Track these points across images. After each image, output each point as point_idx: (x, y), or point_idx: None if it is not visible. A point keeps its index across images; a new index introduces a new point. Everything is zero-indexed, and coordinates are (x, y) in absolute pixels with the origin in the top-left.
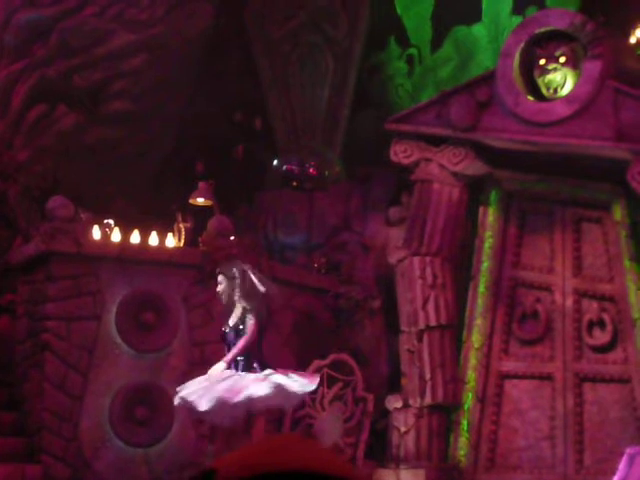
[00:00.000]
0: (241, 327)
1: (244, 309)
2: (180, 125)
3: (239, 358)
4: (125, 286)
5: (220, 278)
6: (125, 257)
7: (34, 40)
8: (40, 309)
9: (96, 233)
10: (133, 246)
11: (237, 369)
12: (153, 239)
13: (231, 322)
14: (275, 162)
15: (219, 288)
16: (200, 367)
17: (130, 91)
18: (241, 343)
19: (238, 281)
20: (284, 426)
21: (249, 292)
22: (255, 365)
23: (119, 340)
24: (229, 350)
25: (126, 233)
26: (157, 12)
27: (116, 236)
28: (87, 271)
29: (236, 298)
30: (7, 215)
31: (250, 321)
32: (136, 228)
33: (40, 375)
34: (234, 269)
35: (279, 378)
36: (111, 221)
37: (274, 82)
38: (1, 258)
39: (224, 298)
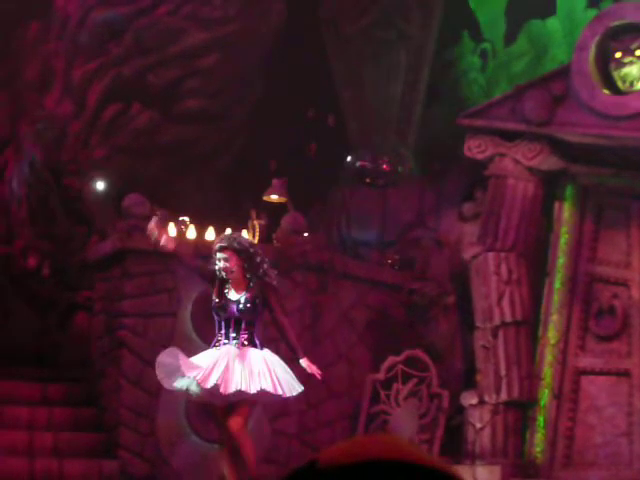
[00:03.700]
0: (246, 304)
1: (256, 287)
2: (253, 122)
3: (237, 334)
4: (200, 283)
5: (224, 255)
6: (200, 254)
7: (109, 39)
8: (117, 306)
9: (171, 230)
10: (208, 243)
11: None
12: None
13: (233, 297)
14: (348, 158)
15: (225, 264)
16: None
17: (203, 89)
18: (292, 332)
19: (257, 258)
20: (359, 422)
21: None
22: (257, 341)
23: (195, 336)
24: (227, 325)
25: (201, 230)
26: (230, 10)
27: (191, 233)
28: (163, 268)
29: (249, 275)
30: (84, 213)
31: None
32: (211, 225)
33: (117, 371)
34: (247, 245)
35: (281, 376)
36: (186, 218)
37: (347, 79)
38: (78, 256)
39: (233, 273)
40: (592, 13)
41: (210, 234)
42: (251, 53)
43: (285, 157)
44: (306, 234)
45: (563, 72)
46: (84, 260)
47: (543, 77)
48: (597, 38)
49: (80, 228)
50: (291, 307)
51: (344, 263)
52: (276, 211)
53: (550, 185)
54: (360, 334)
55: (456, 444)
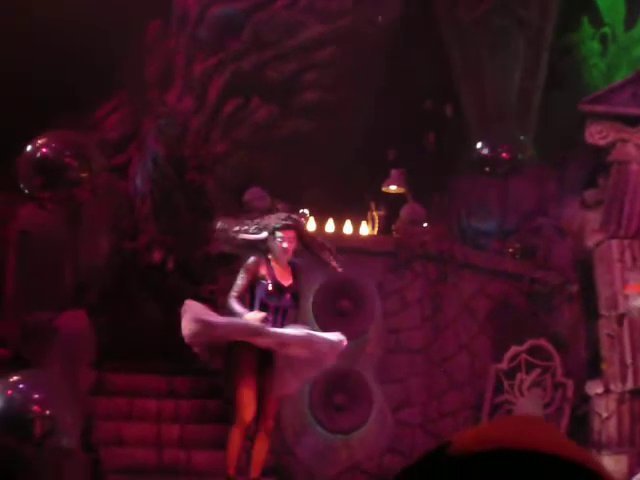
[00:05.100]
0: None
1: None
2: (371, 114)
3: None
4: (321, 274)
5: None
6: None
7: (228, 34)
8: None
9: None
10: (328, 234)
11: None
12: (347, 227)
13: (287, 282)
14: (479, 144)
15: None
16: (396, 354)
17: (321, 82)
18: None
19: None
20: (483, 412)
21: None
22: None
23: (317, 327)
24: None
25: (321, 222)
26: (346, 2)
27: (311, 225)
28: None
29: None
30: (206, 207)
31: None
32: (331, 217)
33: None
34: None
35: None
36: (306, 211)
37: (465, 68)
38: (201, 249)
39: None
40: None
41: (330, 226)
42: (368, 45)
43: (403, 148)
44: (425, 224)
45: None
46: (207, 254)
47: None
48: None
49: (203, 222)
50: (411, 298)
51: (464, 253)
52: (395, 202)
53: None
54: (481, 324)
55: (582, 434)
